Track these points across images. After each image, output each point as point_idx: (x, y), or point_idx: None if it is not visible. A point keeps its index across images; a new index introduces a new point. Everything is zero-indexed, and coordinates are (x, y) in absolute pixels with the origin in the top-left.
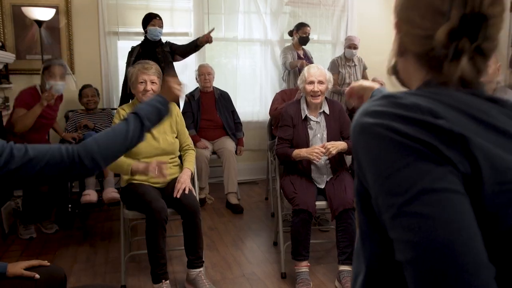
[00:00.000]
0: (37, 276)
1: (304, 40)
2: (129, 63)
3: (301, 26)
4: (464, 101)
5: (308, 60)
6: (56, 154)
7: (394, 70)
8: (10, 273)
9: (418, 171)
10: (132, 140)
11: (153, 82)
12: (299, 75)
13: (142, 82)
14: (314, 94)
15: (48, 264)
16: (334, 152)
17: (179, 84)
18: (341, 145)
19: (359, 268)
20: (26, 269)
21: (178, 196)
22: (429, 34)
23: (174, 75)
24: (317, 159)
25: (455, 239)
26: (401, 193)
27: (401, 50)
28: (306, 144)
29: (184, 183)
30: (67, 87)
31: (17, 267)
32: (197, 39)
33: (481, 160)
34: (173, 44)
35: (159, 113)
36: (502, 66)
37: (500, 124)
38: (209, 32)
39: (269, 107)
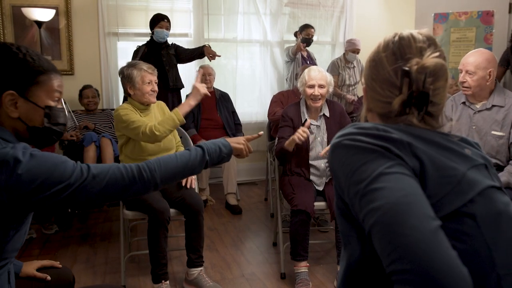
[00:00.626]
0: (49, 278)
1: (308, 41)
2: None
3: (305, 28)
4: (411, 129)
5: (312, 61)
6: (116, 172)
7: (365, 121)
8: (23, 273)
9: (376, 164)
10: (191, 169)
11: (156, 82)
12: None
13: (149, 83)
14: (314, 98)
15: (60, 266)
16: None
17: (246, 144)
18: None
19: (342, 266)
20: (38, 269)
21: (192, 186)
22: (387, 101)
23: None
24: (300, 139)
25: (405, 199)
26: (364, 180)
27: (368, 108)
28: (306, 147)
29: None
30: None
31: (30, 267)
32: (204, 46)
33: (425, 159)
34: (178, 47)
35: (220, 155)
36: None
37: (441, 142)
38: (216, 55)
39: (268, 109)
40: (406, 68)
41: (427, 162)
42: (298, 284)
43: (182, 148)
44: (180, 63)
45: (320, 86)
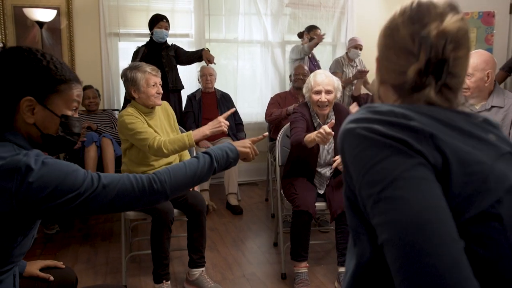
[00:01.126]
0: (52, 278)
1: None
2: None
3: (313, 28)
4: (432, 110)
5: (316, 63)
6: (126, 182)
7: (378, 95)
8: (26, 273)
9: (392, 163)
10: (200, 177)
11: (160, 84)
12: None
13: (154, 85)
14: (321, 105)
15: (63, 266)
16: None
17: (252, 147)
18: None
19: (350, 265)
20: (41, 269)
21: (195, 189)
22: (402, 71)
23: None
24: (323, 140)
25: (424, 216)
26: (379, 183)
27: (381, 80)
28: (315, 156)
29: None
30: None
31: (33, 267)
32: (203, 49)
33: (449, 154)
34: (178, 48)
35: (228, 160)
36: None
37: (464, 127)
38: (212, 60)
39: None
40: (424, 33)
41: (451, 156)
42: (298, 284)
43: (186, 153)
44: (179, 65)
45: (327, 92)
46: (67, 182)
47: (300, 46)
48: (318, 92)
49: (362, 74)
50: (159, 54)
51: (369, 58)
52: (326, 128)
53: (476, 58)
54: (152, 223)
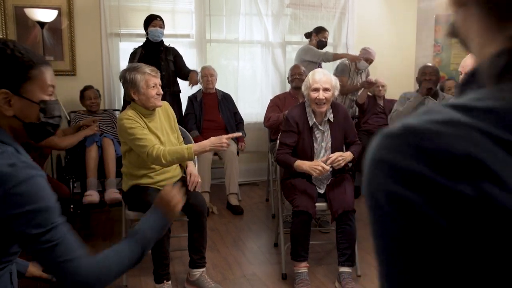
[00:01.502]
0: (54, 279)
1: (323, 45)
2: None
3: (321, 30)
4: None
5: (319, 64)
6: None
7: (452, 29)
8: (29, 273)
9: None
10: (129, 265)
11: (160, 85)
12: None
13: (153, 86)
14: (319, 102)
15: None
16: (342, 164)
17: (177, 197)
18: (349, 156)
19: None
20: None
21: (196, 190)
22: None
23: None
24: (318, 175)
25: None
26: None
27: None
28: (311, 154)
29: (197, 177)
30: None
31: (36, 268)
32: (191, 70)
33: None
34: (177, 56)
35: (158, 236)
36: None
37: None
38: (194, 84)
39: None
40: None
41: None
42: (299, 284)
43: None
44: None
45: (325, 90)
46: (45, 210)
47: (319, 51)
48: (316, 90)
49: (370, 85)
50: (158, 56)
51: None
52: (324, 166)
53: None
54: None
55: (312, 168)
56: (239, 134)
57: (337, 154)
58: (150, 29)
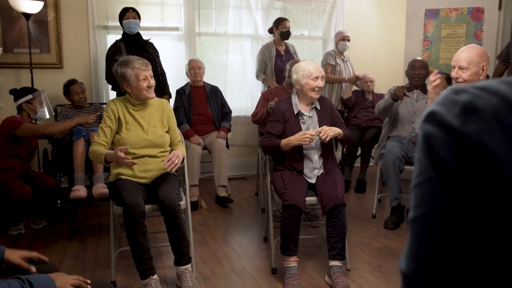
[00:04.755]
0: (34, 270)
1: (286, 35)
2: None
3: (280, 21)
4: None
5: (291, 55)
6: None
7: None
8: (7, 259)
9: None
10: None
11: (151, 76)
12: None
13: (144, 79)
14: (318, 90)
15: (47, 260)
16: (331, 134)
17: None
18: (338, 131)
19: None
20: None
21: (166, 166)
22: None
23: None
24: (309, 143)
25: None
26: None
27: None
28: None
29: (175, 156)
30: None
31: (16, 255)
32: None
33: None
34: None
35: None
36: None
37: None
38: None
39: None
40: None
41: None
42: (288, 278)
43: (181, 146)
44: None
45: (322, 78)
46: None
47: (266, 48)
48: (317, 78)
49: (357, 80)
50: (143, 48)
51: (359, 53)
52: (310, 132)
53: (471, 52)
54: (123, 219)
55: (300, 139)
56: None
57: (325, 126)
58: (124, 22)
